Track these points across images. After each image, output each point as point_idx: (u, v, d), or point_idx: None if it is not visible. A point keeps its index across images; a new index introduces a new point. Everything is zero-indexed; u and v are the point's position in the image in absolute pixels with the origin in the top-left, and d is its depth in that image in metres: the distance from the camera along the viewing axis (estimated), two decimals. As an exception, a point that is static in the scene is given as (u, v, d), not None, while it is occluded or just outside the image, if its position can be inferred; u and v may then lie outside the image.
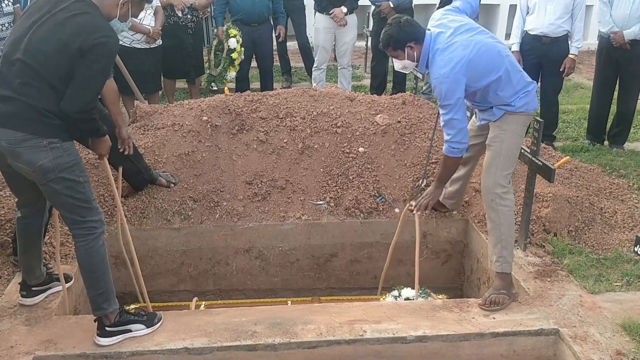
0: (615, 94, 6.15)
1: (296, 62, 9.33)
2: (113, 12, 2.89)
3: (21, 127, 2.74)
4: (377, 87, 7.67)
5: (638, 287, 3.57)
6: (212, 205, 4.32)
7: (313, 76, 7.59)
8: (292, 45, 8.95)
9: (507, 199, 3.40)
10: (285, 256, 4.39)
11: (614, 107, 6.20)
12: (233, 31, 7.02)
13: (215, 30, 7.21)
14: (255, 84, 7.89)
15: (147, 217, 4.22)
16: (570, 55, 5.81)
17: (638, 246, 3.62)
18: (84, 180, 2.91)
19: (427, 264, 4.46)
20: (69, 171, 2.83)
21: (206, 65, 7.44)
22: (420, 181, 4.50)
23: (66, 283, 3.47)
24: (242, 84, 7.40)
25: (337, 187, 4.46)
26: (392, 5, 7.04)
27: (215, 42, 7.20)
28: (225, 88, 5.96)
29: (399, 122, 4.83)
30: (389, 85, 8.01)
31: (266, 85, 7.51)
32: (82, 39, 2.69)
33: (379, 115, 4.89)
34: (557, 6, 5.70)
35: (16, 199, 3.18)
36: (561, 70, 5.86)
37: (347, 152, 4.65)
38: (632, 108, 6.05)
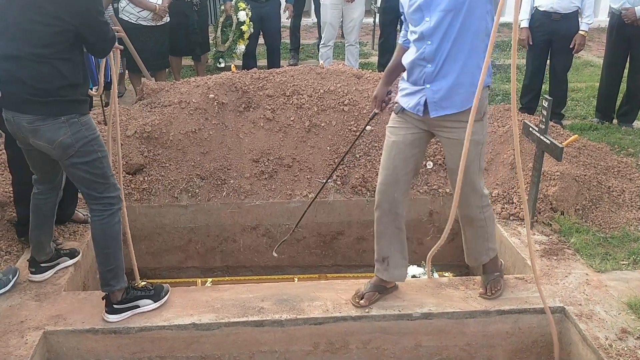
0: (626, 72, 6.08)
1: (304, 40, 9.26)
2: None
3: (37, 110, 2.77)
4: (385, 65, 7.58)
5: (645, 266, 3.57)
6: (219, 183, 4.33)
7: (320, 53, 7.53)
8: (304, 22, 8.84)
9: (487, 196, 3.16)
10: (292, 234, 4.40)
11: (623, 86, 6.14)
12: (242, 4, 6.97)
13: (221, 7, 7.16)
14: (262, 62, 7.85)
15: (154, 195, 4.24)
16: (580, 32, 5.73)
17: (645, 225, 3.62)
18: (102, 155, 2.93)
19: (434, 242, 4.46)
20: (88, 145, 2.86)
21: (212, 42, 7.39)
22: (426, 162, 4.49)
23: (73, 259, 3.51)
24: (249, 61, 7.37)
25: (344, 166, 4.46)
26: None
27: (222, 19, 7.15)
28: (232, 65, 5.94)
29: (407, 99, 4.80)
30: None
31: (273, 62, 7.47)
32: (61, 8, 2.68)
33: (386, 93, 4.86)
34: (568, -18, 5.62)
35: (34, 176, 3.20)
36: (571, 47, 5.79)
37: (354, 131, 4.63)
38: (642, 86, 5.99)
